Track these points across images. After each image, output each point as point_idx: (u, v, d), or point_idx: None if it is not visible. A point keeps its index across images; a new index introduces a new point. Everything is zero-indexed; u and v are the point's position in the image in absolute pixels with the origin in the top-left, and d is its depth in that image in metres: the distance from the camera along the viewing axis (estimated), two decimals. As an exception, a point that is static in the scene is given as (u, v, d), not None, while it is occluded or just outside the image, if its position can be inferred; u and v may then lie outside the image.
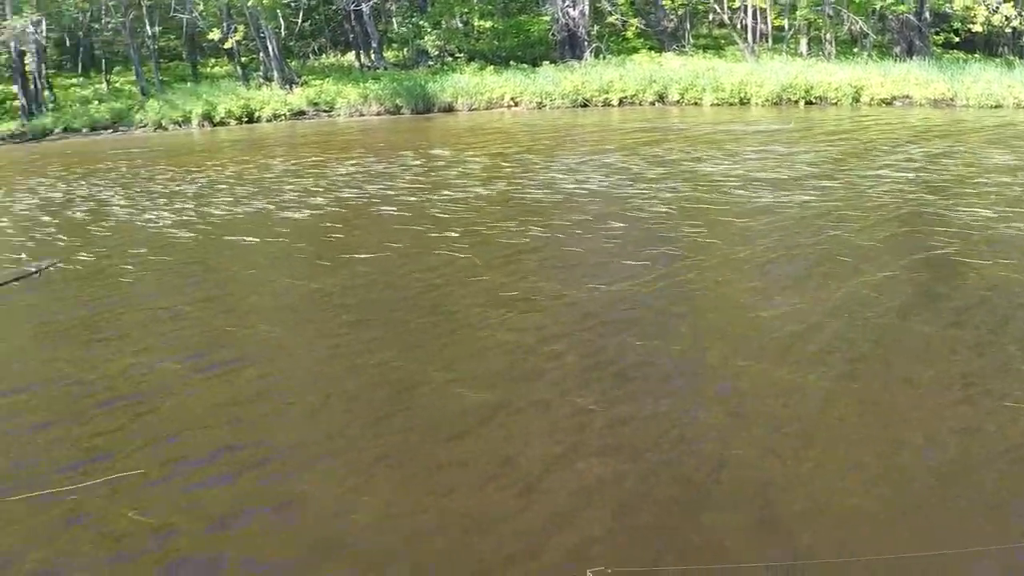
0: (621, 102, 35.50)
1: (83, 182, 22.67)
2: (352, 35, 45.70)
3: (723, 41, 45.58)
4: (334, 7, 45.62)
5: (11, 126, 38.46)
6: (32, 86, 39.55)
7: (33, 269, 13.04)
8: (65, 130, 36.82)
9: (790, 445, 6.82)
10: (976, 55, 41.35)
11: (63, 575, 5.59)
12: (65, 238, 15.45)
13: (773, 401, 7.58)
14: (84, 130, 36.60)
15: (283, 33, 41.91)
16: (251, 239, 14.37)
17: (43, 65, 40.84)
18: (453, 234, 13.68)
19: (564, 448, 6.84)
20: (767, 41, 44.16)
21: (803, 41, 41.45)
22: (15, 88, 39.51)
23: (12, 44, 37.54)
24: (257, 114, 36.72)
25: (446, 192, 17.24)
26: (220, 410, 7.93)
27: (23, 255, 14.32)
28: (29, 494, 6.45)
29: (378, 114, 36.38)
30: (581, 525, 5.82)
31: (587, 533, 5.74)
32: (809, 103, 32.72)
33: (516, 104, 36.39)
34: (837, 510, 5.91)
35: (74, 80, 45.60)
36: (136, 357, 9.30)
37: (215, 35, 40.65)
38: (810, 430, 7.05)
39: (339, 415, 7.72)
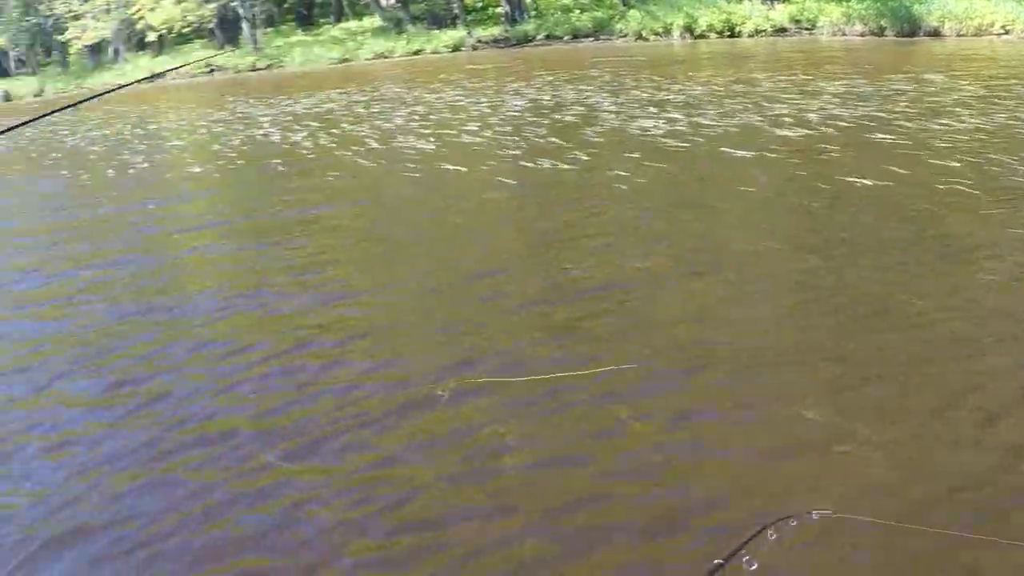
0: None
1: (569, 87, 22.69)
2: (838, -50, 43.44)
3: None
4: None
5: (495, 31, 39.96)
6: (515, -7, 40.82)
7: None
8: (547, 37, 37.68)
9: None
10: None
11: (546, 461, 5.49)
12: (556, 140, 15.28)
13: None
14: (565, 38, 37.25)
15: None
16: (741, 152, 13.46)
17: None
18: (952, 164, 11.99)
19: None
20: None
21: None
22: (499, -5, 40.95)
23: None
24: (738, 29, 35.11)
25: (943, 120, 15.33)
26: (691, 309, 7.82)
27: (518, 151, 14.44)
28: (514, 377, 6.49)
29: (861, 35, 33.78)
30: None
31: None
32: None
33: (1007, 32, 32.88)
34: None
35: (555, -11, 46.71)
36: (618, 254, 9.41)
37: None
38: None
39: (808, 328, 7.29)
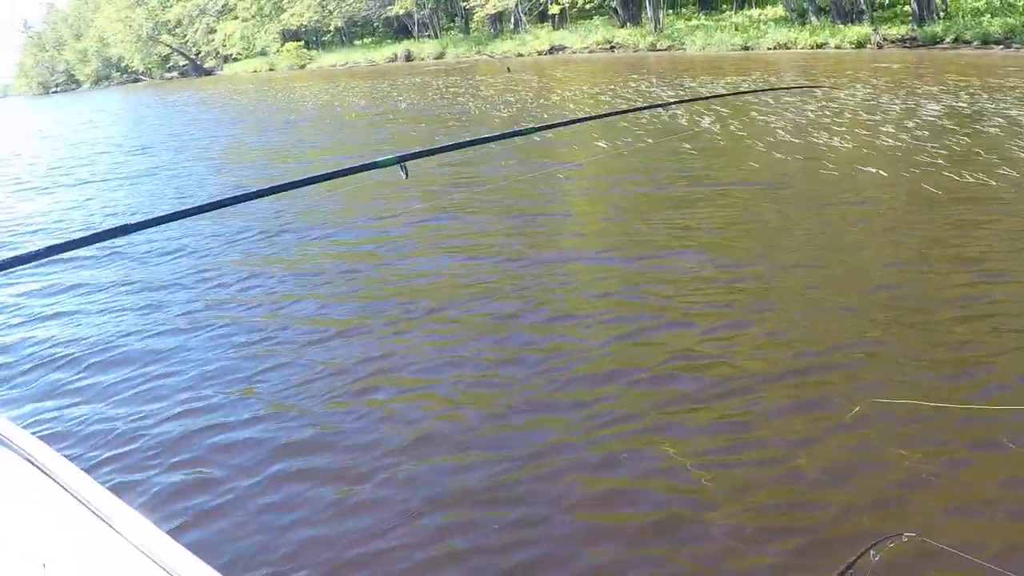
0: None
1: (984, 95, 22.20)
2: None
3: None
4: None
5: (901, 30, 39.23)
6: (926, -8, 39.98)
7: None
8: (955, 40, 36.68)
9: None
10: None
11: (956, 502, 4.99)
12: (980, 151, 15.14)
13: None
14: (975, 43, 36.14)
15: None
16: None
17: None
18: None
19: None
20: None
21: None
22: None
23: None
24: None
25: None
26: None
27: (939, 160, 14.44)
28: (931, 403, 6.02)
29: None
30: None
31: None
32: None
33: None
34: None
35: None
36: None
37: None
38: None
39: None
